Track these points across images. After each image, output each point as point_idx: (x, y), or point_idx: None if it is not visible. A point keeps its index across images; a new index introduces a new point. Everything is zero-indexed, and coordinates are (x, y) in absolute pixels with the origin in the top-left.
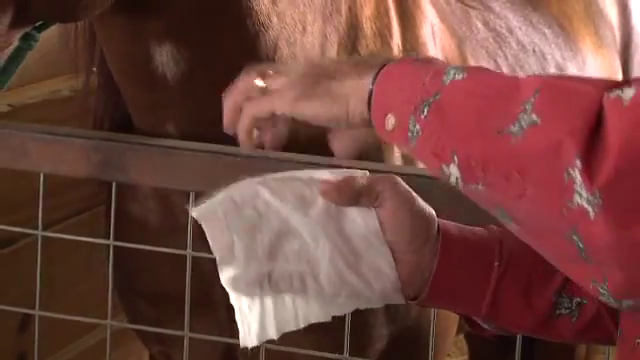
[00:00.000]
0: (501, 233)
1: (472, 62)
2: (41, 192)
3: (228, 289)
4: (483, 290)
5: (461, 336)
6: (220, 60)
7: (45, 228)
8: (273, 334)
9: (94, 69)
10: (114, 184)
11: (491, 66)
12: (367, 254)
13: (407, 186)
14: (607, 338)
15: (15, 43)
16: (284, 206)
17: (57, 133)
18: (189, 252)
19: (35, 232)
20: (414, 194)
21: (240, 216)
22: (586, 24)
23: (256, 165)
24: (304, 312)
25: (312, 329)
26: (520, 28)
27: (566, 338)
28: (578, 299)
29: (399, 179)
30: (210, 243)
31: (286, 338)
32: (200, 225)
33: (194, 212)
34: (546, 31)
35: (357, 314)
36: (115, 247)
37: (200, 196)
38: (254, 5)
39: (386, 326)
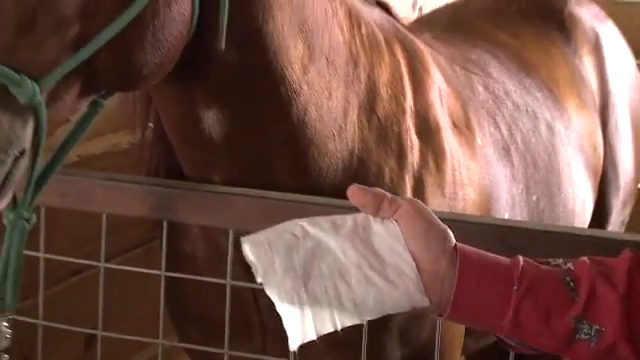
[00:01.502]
0: (525, 262)
1: (474, 121)
2: (104, 230)
3: (272, 298)
4: (504, 309)
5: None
6: (258, 122)
7: (107, 260)
8: (313, 335)
9: (150, 125)
10: (165, 223)
11: (490, 124)
12: (391, 259)
13: (424, 205)
14: None
15: (84, 109)
16: (318, 231)
17: (117, 179)
18: (228, 281)
19: (98, 264)
20: (430, 210)
21: (280, 239)
22: (570, 88)
23: (290, 207)
24: (340, 315)
25: (334, 348)
26: (515, 91)
27: None
28: (597, 326)
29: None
30: (255, 262)
31: (310, 357)
32: (241, 259)
33: (244, 240)
34: (537, 94)
35: (375, 336)
36: (168, 278)
37: (240, 234)
38: (287, 75)
39: (400, 348)
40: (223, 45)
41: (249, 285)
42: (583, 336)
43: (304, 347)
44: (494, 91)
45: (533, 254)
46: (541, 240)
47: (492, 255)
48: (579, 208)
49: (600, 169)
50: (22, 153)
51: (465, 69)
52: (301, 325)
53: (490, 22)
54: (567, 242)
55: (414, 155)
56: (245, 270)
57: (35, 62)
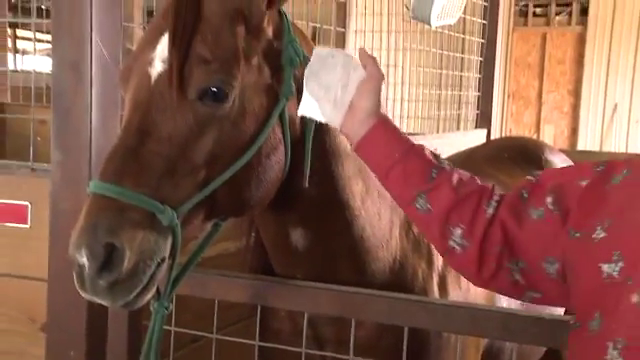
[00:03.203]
0: (424, 150)
1: None
2: (215, 310)
3: (305, 82)
4: (383, 165)
5: None
6: (329, 237)
7: (217, 332)
8: (304, 113)
9: (252, 235)
10: (259, 307)
11: None
12: (349, 92)
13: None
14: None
15: (208, 229)
16: (341, 58)
17: (227, 275)
18: (303, 350)
19: (211, 335)
20: (382, 85)
21: (325, 56)
22: None
23: (348, 297)
24: (318, 109)
25: None
26: None
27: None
28: (429, 205)
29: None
30: (310, 63)
31: None
32: (313, 334)
33: (315, 49)
34: None
35: None
36: (260, 345)
37: (313, 316)
38: (351, 204)
39: None
40: (306, 183)
41: (318, 353)
42: (418, 206)
43: None
44: None
45: (527, 338)
46: (533, 325)
47: (403, 134)
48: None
49: None
50: (163, 260)
51: None
52: (304, 106)
53: (491, 165)
54: (553, 326)
55: (439, 260)
56: (316, 343)
57: (174, 196)
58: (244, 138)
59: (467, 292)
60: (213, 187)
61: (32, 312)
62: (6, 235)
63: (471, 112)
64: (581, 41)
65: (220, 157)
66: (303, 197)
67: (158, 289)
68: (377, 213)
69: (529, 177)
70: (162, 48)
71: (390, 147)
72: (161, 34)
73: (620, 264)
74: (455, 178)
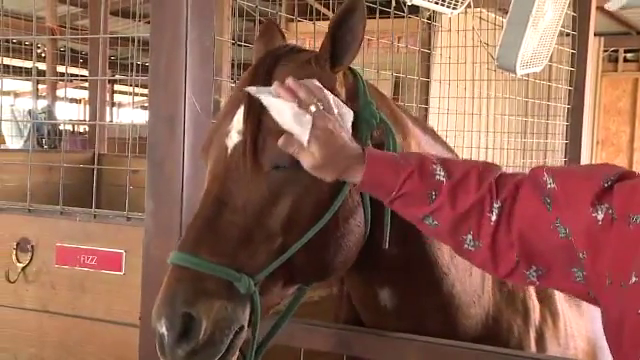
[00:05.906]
0: (416, 170)
1: None
2: (301, 358)
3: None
4: (387, 200)
5: None
6: (419, 296)
7: None
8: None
9: (341, 286)
10: (345, 356)
11: None
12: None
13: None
14: None
15: (291, 294)
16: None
17: (312, 324)
18: None
19: None
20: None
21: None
22: None
23: (432, 348)
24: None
25: None
26: None
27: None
28: (435, 222)
29: None
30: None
31: None
32: None
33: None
34: None
35: None
36: None
37: None
38: (439, 261)
39: None
40: (386, 245)
41: None
42: (427, 223)
43: None
44: None
45: None
46: None
47: (392, 164)
48: None
49: None
50: (241, 329)
51: None
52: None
53: None
54: None
55: (536, 314)
56: None
57: (251, 264)
58: (319, 203)
59: (566, 349)
60: (290, 253)
61: (125, 357)
62: (102, 282)
63: (558, 160)
64: None
65: (296, 223)
66: (387, 258)
67: (244, 354)
68: (467, 269)
69: (545, 177)
70: (238, 120)
71: (384, 188)
72: (238, 106)
73: None
74: (453, 193)
